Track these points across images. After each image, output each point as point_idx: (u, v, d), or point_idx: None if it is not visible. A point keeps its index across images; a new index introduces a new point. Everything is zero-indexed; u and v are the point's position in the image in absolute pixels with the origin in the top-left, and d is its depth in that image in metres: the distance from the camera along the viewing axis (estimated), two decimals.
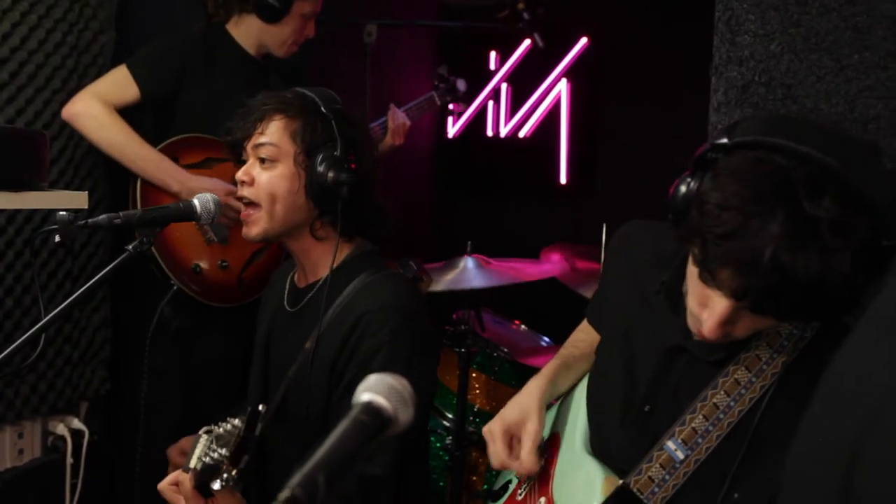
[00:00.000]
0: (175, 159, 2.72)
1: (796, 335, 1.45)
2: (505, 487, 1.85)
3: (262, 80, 2.88)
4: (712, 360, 1.49)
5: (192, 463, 1.52)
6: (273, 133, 1.97)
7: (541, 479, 1.74)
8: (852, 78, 1.82)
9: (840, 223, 1.21)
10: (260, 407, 1.51)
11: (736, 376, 1.46)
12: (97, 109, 2.63)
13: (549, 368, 1.83)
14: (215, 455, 1.47)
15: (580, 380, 1.84)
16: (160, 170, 2.68)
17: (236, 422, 1.48)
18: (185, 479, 1.58)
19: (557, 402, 1.88)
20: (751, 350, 1.47)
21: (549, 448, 1.78)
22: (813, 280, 1.22)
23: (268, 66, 2.94)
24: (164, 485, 1.67)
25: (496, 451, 1.69)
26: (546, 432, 1.83)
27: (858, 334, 0.79)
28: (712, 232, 1.27)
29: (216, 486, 1.46)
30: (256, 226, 1.99)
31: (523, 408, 1.72)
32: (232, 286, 2.79)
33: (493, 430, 1.71)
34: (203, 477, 1.50)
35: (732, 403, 1.45)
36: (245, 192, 1.99)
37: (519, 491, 1.80)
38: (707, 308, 1.36)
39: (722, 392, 1.46)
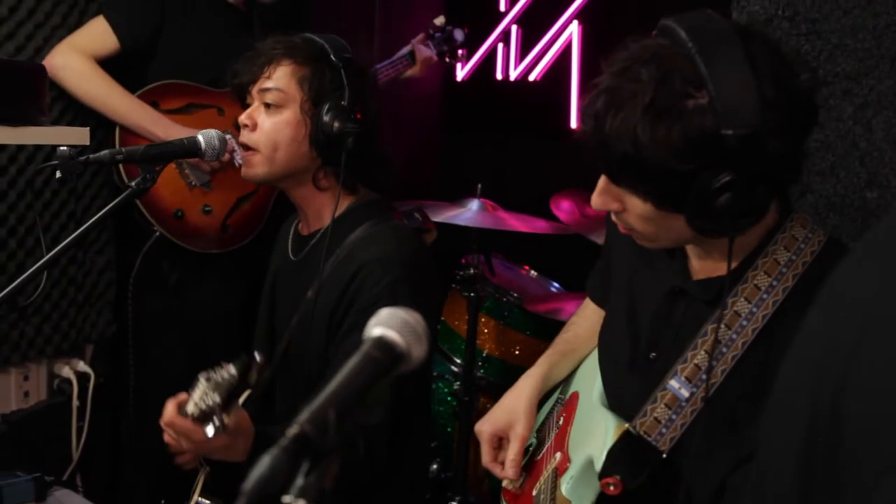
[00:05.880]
0: (155, 104, 2.67)
1: (794, 261, 1.40)
2: (525, 451, 1.83)
3: (244, 25, 2.81)
4: (711, 299, 1.45)
5: (190, 409, 1.55)
6: (280, 78, 1.93)
7: (558, 437, 1.73)
8: (880, 12, 1.75)
9: (661, 90, 1.24)
10: (256, 355, 1.51)
11: (736, 308, 1.40)
12: (75, 61, 2.58)
13: (542, 361, 1.83)
14: (209, 401, 1.50)
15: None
16: (142, 118, 2.62)
17: (232, 369, 1.49)
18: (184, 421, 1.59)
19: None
20: (748, 282, 1.41)
21: (567, 407, 1.77)
22: (631, 142, 1.26)
23: (251, 12, 2.86)
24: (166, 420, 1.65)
25: (483, 454, 1.75)
26: (567, 393, 1.82)
27: (862, 251, 0.79)
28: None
29: (210, 431, 1.51)
30: (257, 167, 1.96)
31: (512, 410, 1.74)
32: (216, 232, 2.75)
33: (481, 432, 1.75)
34: (198, 424, 1.55)
35: (735, 336, 1.40)
36: (246, 137, 1.95)
37: (537, 452, 1.79)
38: None
39: (723, 326, 1.40)
